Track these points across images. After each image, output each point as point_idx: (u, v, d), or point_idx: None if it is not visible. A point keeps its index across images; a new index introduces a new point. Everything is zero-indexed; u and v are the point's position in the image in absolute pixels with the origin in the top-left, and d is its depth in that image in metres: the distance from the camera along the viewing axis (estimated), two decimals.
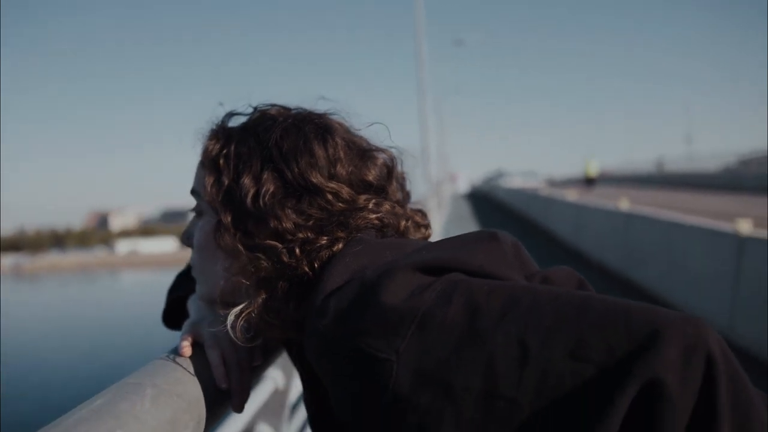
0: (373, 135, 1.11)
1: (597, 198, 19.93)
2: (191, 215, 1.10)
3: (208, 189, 1.00)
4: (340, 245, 0.95)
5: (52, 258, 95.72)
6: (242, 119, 1.08)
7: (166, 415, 0.81)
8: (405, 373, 0.76)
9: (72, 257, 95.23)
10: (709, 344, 0.70)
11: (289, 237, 0.95)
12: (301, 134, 1.01)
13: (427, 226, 1.14)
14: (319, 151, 1.00)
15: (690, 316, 0.72)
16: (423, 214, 1.14)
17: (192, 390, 0.90)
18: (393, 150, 1.11)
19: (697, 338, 0.70)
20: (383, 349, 0.77)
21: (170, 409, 0.83)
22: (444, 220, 23.99)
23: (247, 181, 0.98)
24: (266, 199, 0.96)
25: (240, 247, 0.96)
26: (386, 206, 1.03)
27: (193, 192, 1.08)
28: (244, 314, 0.96)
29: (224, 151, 1.02)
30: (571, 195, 20.54)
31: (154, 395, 0.82)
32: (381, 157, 1.08)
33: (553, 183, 61.60)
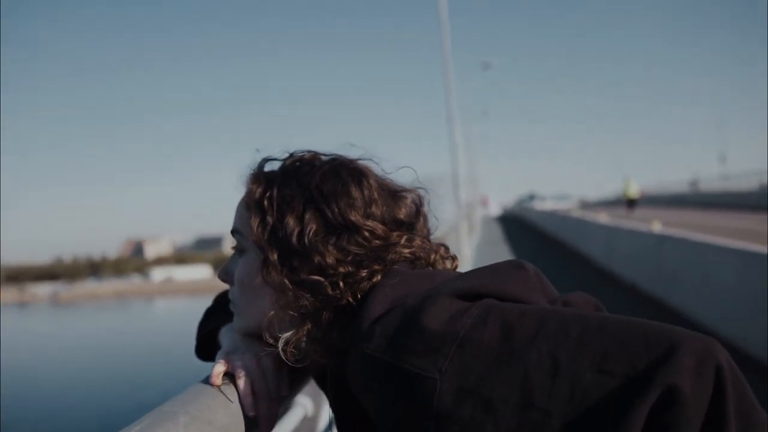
0: (399, 176, 1.20)
1: (629, 220, 19.77)
2: (226, 244, 1.18)
3: (254, 229, 1.08)
4: (379, 277, 1.04)
5: (88, 286, 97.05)
6: (278, 164, 1.17)
7: None
8: (448, 389, 0.84)
9: (108, 285, 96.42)
10: (719, 357, 0.79)
11: (332, 272, 1.03)
12: (339, 178, 1.10)
13: (453, 258, 1.21)
14: (356, 193, 1.09)
15: (700, 334, 0.82)
16: (446, 248, 1.22)
17: (222, 418, 0.97)
18: (420, 190, 1.20)
19: (707, 352, 0.80)
20: (428, 369, 0.86)
21: None
22: (476, 243, 23.92)
23: (291, 221, 1.06)
24: (310, 236, 1.05)
25: (287, 282, 1.05)
26: (417, 241, 1.12)
27: (235, 231, 1.16)
28: (293, 341, 1.05)
29: (268, 194, 1.10)
30: (603, 217, 20.39)
31: (186, 423, 0.89)
32: (410, 197, 1.17)
33: (585, 205, 60.86)
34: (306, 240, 1.05)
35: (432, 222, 1.23)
